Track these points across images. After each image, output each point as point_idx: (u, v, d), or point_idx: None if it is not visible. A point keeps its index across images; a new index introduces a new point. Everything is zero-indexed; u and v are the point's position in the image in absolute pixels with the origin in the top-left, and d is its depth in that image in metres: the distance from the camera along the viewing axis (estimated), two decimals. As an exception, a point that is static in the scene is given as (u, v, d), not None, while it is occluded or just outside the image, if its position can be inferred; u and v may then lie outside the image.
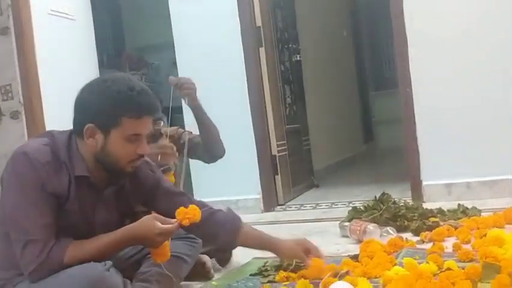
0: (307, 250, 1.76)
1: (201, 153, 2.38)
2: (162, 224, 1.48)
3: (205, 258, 2.03)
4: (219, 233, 1.70)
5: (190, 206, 1.50)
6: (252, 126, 3.54)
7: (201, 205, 1.65)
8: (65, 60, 3.64)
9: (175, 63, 3.75)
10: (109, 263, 1.44)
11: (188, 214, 1.48)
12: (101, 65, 4.46)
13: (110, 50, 5.59)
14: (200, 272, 1.99)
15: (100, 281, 1.37)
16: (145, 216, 1.51)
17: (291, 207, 3.59)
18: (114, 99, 1.41)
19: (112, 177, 1.53)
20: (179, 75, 3.70)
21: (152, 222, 1.47)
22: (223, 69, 3.56)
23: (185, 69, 3.67)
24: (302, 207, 3.55)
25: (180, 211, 1.49)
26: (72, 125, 1.50)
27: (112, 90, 1.42)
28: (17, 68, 3.51)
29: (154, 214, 1.57)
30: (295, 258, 1.80)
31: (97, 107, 1.43)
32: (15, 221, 1.41)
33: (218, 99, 3.56)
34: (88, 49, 3.93)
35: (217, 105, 3.55)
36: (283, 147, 3.80)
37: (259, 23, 3.57)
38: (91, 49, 3.97)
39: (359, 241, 2.26)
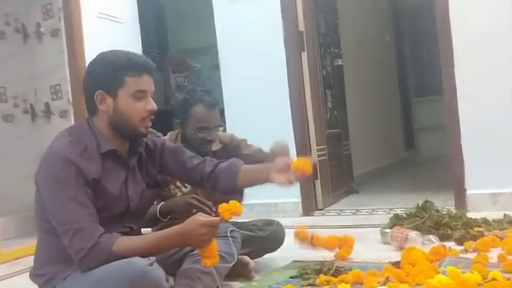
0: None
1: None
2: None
3: (247, 259, 2.06)
4: (219, 182, 1.75)
5: (231, 201, 1.53)
6: (292, 130, 3.55)
7: (202, 161, 1.75)
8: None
9: (216, 67, 3.82)
10: (153, 258, 1.48)
11: (230, 208, 1.51)
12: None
13: (154, 52, 5.72)
14: (242, 273, 2.02)
15: (143, 275, 1.41)
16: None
17: (330, 212, 3.58)
18: (114, 63, 1.54)
19: (131, 145, 1.62)
20: (221, 79, 3.78)
21: (196, 216, 1.54)
22: (266, 73, 3.59)
23: (227, 72, 3.73)
24: (342, 213, 3.53)
25: (222, 206, 1.52)
26: (86, 108, 1.61)
27: (111, 56, 1.56)
28: (67, 68, 3.66)
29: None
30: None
31: (100, 74, 1.55)
32: (60, 216, 1.48)
33: (260, 102, 3.61)
34: (134, 51, 4.02)
35: (258, 109, 3.62)
36: (323, 152, 3.79)
37: (302, 27, 3.59)
38: (137, 51, 4.04)
39: (400, 248, 2.23)
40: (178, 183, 2.15)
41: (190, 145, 2.05)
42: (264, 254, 2.28)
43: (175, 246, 1.64)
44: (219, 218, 1.51)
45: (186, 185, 2.14)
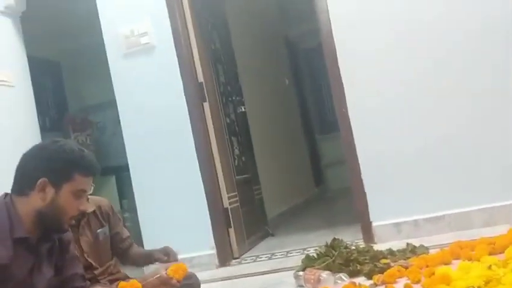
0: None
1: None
2: None
3: None
4: None
5: (132, 280, 1.61)
6: (201, 181, 3.52)
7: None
8: (5, 128, 3.54)
9: (119, 121, 3.73)
10: None
11: (179, 269, 1.63)
12: (44, 129, 4.37)
13: (52, 113, 5.50)
14: None
15: None
16: None
17: (246, 260, 3.55)
18: (69, 156, 1.54)
19: (46, 234, 1.58)
20: (123, 134, 3.69)
21: None
22: (168, 126, 3.56)
23: (129, 127, 3.66)
24: (258, 259, 3.51)
25: (122, 284, 1.59)
26: (14, 186, 1.56)
27: (66, 148, 1.56)
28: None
29: None
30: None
31: (52, 163, 1.53)
32: None
33: (165, 155, 3.56)
34: (28, 114, 3.85)
35: (164, 162, 3.57)
36: (234, 199, 3.79)
37: (201, 78, 3.62)
38: (31, 114, 3.89)
39: (314, 290, 2.25)
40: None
41: None
42: None
43: None
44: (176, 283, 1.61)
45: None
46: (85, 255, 2.08)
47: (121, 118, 3.68)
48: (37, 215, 1.52)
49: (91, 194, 2.14)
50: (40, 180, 1.51)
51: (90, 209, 2.14)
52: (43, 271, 1.57)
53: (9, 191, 1.58)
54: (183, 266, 1.69)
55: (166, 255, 2.14)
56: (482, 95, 3.01)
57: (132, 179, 3.63)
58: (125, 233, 2.29)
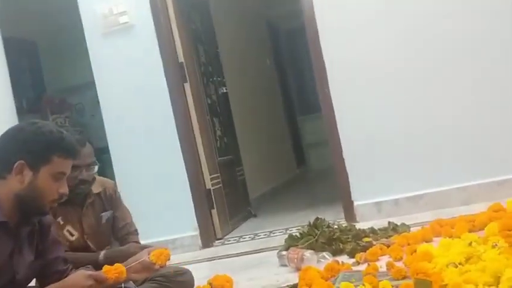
0: None
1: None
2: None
3: None
4: None
5: (116, 264, 1.55)
6: (183, 162, 3.50)
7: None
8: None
9: (99, 103, 3.67)
10: None
11: (116, 270, 1.54)
12: (20, 110, 4.28)
13: (29, 94, 5.38)
14: None
15: None
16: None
17: (229, 241, 3.56)
18: (47, 138, 1.49)
19: (26, 217, 1.55)
20: (103, 115, 3.64)
21: (82, 270, 1.54)
22: (149, 107, 3.52)
23: (109, 108, 3.60)
24: (241, 239, 3.53)
25: (106, 268, 1.53)
26: None
27: (44, 130, 1.51)
28: None
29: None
30: None
31: (29, 144, 1.48)
32: None
33: (146, 136, 3.53)
34: (4, 96, 3.75)
35: (145, 143, 3.53)
36: (217, 180, 3.78)
37: (181, 58, 3.57)
38: (7, 95, 3.78)
39: (298, 269, 2.27)
40: (70, 228, 2.07)
41: None
42: None
43: None
44: (104, 276, 1.51)
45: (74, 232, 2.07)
46: (85, 236, 2.07)
47: (100, 99, 3.62)
48: (16, 198, 1.49)
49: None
50: (17, 163, 1.47)
51: (96, 190, 2.12)
52: (24, 255, 1.55)
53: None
54: (166, 252, 1.65)
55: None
56: (465, 76, 3.03)
57: (112, 161, 3.59)
58: (125, 219, 2.22)
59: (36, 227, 1.60)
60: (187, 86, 3.60)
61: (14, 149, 1.49)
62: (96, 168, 2.12)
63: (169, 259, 1.67)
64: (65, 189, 1.54)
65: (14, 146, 1.49)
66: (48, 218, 1.67)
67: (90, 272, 1.51)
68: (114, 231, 2.21)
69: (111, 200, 2.18)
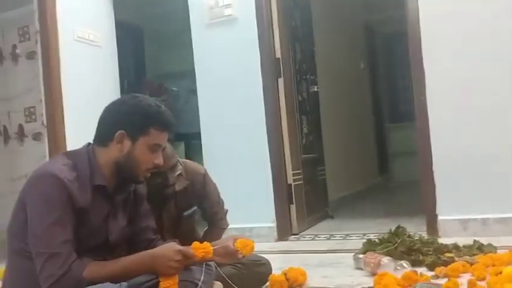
0: None
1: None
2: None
3: (218, 284, 2.04)
4: None
5: (205, 242, 1.61)
6: (268, 155, 3.58)
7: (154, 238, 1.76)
8: (89, 85, 3.75)
9: (193, 91, 3.84)
10: (124, 284, 1.47)
11: (204, 248, 1.58)
12: (122, 91, 4.56)
13: (131, 77, 5.72)
14: None
15: None
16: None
17: (305, 237, 3.60)
18: (146, 111, 1.58)
19: (122, 184, 1.65)
20: (198, 103, 3.80)
21: (173, 244, 1.58)
22: (242, 98, 3.63)
23: (204, 96, 3.76)
24: (316, 238, 3.55)
25: (196, 245, 1.58)
26: (95, 136, 1.64)
27: (144, 103, 1.60)
28: (42, 91, 3.63)
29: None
30: None
31: (130, 116, 1.58)
32: (40, 237, 1.47)
33: (236, 127, 3.65)
34: (111, 75, 4.04)
35: (235, 134, 3.65)
36: (298, 176, 3.82)
37: (278, 54, 3.65)
38: (114, 75, 4.08)
39: (373, 274, 2.26)
40: None
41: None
42: None
43: (145, 270, 1.62)
44: (192, 252, 1.56)
45: None
46: (165, 234, 2.02)
47: (198, 86, 3.78)
48: (114, 165, 1.60)
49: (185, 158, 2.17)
50: (118, 132, 1.57)
51: (179, 186, 2.11)
52: (118, 219, 1.66)
53: (91, 141, 1.66)
54: (252, 244, 1.66)
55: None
56: None
57: (203, 146, 3.75)
58: (212, 207, 2.25)
59: (131, 195, 1.72)
60: (280, 81, 3.67)
61: (116, 120, 1.59)
62: (180, 168, 2.12)
63: (253, 251, 1.69)
64: (160, 160, 1.62)
65: (117, 117, 1.60)
66: (142, 188, 1.78)
67: (179, 247, 1.56)
68: (203, 219, 2.27)
69: (198, 193, 2.20)
